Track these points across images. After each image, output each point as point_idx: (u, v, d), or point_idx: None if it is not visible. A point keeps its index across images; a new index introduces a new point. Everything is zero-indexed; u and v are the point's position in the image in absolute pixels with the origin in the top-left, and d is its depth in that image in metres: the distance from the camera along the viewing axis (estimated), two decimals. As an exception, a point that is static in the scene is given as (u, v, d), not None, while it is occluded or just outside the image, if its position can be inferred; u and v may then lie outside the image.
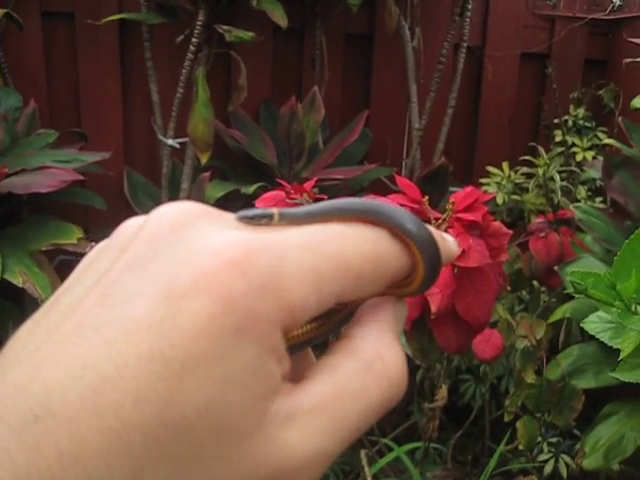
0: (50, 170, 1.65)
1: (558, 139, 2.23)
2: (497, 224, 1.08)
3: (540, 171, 2.03)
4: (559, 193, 2.00)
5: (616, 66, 2.24)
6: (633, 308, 0.72)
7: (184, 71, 1.90)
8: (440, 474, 1.69)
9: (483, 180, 2.12)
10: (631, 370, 0.88)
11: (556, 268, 1.50)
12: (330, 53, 2.13)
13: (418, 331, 1.11)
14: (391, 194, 1.10)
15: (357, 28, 2.21)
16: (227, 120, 2.09)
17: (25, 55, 2.02)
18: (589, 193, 2.11)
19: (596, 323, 0.90)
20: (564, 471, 1.54)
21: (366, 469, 1.54)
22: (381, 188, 1.97)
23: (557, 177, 2.02)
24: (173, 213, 0.29)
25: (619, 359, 0.81)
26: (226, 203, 1.82)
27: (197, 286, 0.25)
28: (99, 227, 2.01)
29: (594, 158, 2.14)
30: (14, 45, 1.99)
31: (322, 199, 0.96)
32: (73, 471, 0.22)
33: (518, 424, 1.47)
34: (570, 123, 2.27)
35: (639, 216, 1.44)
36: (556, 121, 2.26)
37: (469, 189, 1.08)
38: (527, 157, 2.12)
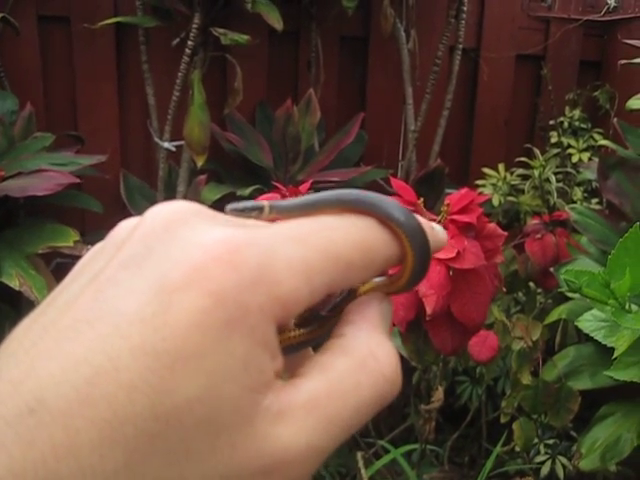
0: (47, 173, 1.65)
1: (554, 140, 2.24)
2: (492, 226, 1.08)
3: (536, 172, 2.03)
4: (555, 194, 2.00)
5: (611, 67, 2.25)
6: (627, 306, 0.73)
7: (180, 74, 1.90)
8: (437, 476, 1.69)
9: (479, 182, 2.12)
10: (626, 369, 0.88)
11: (552, 269, 1.50)
12: (325, 55, 2.13)
13: (414, 333, 1.11)
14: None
15: (352, 30, 2.21)
16: (223, 123, 2.09)
17: (21, 59, 2.02)
18: (585, 194, 2.11)
19: (590, 322, 0.90)
20: (561, 472, 1.54)
21: (362, 471, 1.54)
22: (377, 190, 1.94)
23: (553, 178, 2.02)
24: (167, 212, 0.29)
25: (613, 357, 0.81)
26: (222, 206, 1.81)
27: (188, 281, 0.25)
28: (95, 230, 2.01)
29: (590, 159, 2.14)
30: (10, 49, 1.99)
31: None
32: (66, 463, 0.23)
33: (514, 425, 1.47)
34: (566, 124, 2.27)
35: (634, 217, 1.43)
36: (552, 122, 2.26)
37: (464, 191, 1.09)
38: (523, 159, 2.13)
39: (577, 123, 2.26)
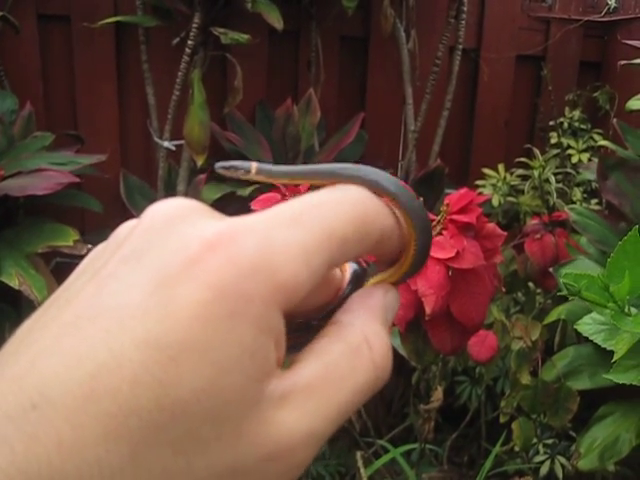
0: (46, 172, 1.65)
1: (553, 141, 2.24)
2: (491, 226, 1.08)
3: (536, 173, 2.03)
4: (554, 195, 2.00)
5: (611, 68, 2.25)
6: (626, 309, 0.73)
7: (180, 73, 1.90)
8: (436, 475, 1.70)
9: (479, 182, 2.12)
10: (625, 372, 0.88)
11: (551, 270, 1.50)
12: (326, 55, 2.13)
13: (413, 332, 1.11)
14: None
15: (352, 30, 2.21)
16: (223, 122, 2.09)
17: (21, 58, 2.02)
18: (584, 195, 2.11)
19: (590, 325, 0.90)
20: (560, 472, 1.54)
21: (362, 470, 1.54)
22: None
23: (552, 179, 2.02)
24: (167, 208, 0.29)
25: (613, 361, 0.81)
26: (222, 205, 1.82)
27: (187, 273, 0.26)
28: (95, 229, 2.01)
29: (589, 160, 2.14)
30: (10, 48, 1.99)
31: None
32: (71, 457, 0.23)
33: (514, 425, 1.47)
34: (565, 125, 2.27)
35: (634, 218, 1.44)
36: (551, 123, 2.27)
37: (463, 191, 1.09)
38: (523, 159, 2.13)
39: (577, 124, 2.26)
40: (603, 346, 0.87)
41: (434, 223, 1.03)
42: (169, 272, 0.26)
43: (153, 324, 0.25)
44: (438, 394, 1.51)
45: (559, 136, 2.22)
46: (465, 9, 2.07)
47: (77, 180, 1.66)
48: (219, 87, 2.12)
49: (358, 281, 0.36)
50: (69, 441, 0.23)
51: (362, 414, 1.71)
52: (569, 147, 2.21)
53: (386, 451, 1.68)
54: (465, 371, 1.95)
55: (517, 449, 1.54)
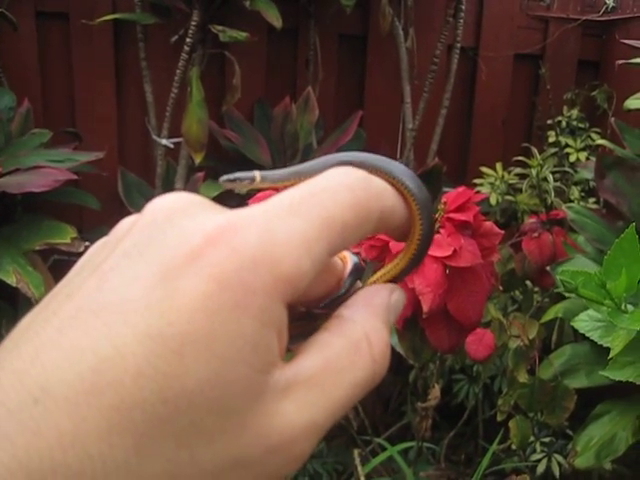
0: (44, 170, 1.65)
1: (551, 140, 2.24)
2: (489, 224, 1.08)
3: (533, 172, 2.03)
4: (552, 194, 2.00)
5: (609, 67, 2.25)
6: (623, 307, 0.73)
7: (178, 71, 1.90)
8: (433, 473, 1.70)
9: (477, 181, 2.12)
10: (621, 368, 0.89)
11: (549, 268, 1.51)
12: (324, 53, 2.13)
13: (410, 330, 1.11)
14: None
15: (351, 29, 2.21)
16: (221, 120, 2.09)
17: (19, 55, 2.02)
18: (582, 194, 2.11)
19: (586, 322, 0.91)
20: (557, 470, 1.54)
21: (359, 468, 1.55)
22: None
23: (550, 178, 2.02)
24: (167, 202, 0.29)
25: (609, 357, 0.81)
26: (220, 203, 1.82)
27: (189, 266, 0.26)
28: (93, 227, 2.01)
29: (587, 159, 2.14)
30: (8, 45, 1.99)
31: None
32: (73, 450, 0.23)
33: (511, 423, 1.47)
34: (564, 124, 2.27)
35: (631, 217, 1.44)
36: (549, 122, 2.26)
37: (461, 189, 1.09)
38: (520, 158, 2.12)
39: (575, 122, 2.27)
40: (599, 343, 0.87)
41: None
42: (171, 265, 0.26)
43: (156, 317, 0.25)
44: (435, 392, 1.52)
45: (557, 135, 2.22)
46: (463, 8, 2.07)
47: (75, 177, 1.66)
48: (217, 85, 2.12)
49: (358, 273, 0.36)
50: (71, 435, 0.23)
51: (360, 412, 1.72)
52: (567, 146, 2.21)
53: (383, 449, 1.68)
54: (462, 369, 1.96)
55: (514, 447, 1.54)
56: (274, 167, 2.02)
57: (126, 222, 0.31)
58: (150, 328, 0.24)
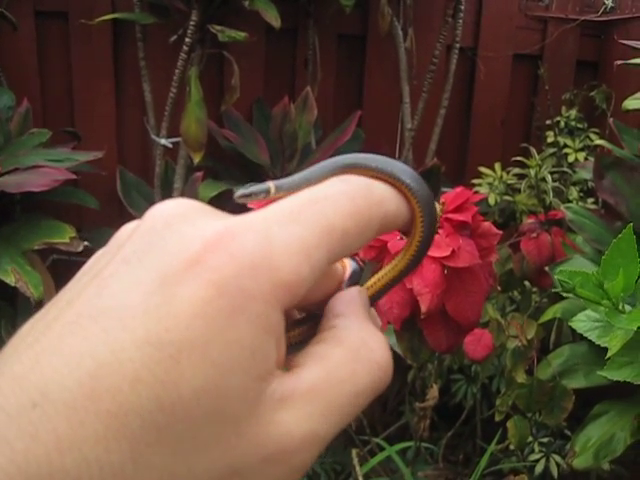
0: (43, 169, 1.65)
1: (550, 140, 2.24)
2: (487, 224, 1.08)
3: (532, 172, 2.03)
4: (551, 194, 2.00)
5: (608, 68, 2.25)
6: (620, 307, 0.73)
7: (177, 71, 1.90)
8: (431, 473, 1.70)
9: (475, 181, 2.12)
10: (619, 369, 0.89)
11: (547, 268, 1.51)
12: (323, 53, 2.13)
13: (408, 331, 1.11)
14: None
15: (350, 28, 2.21)
16: (220, 120, 2.09)
17: (18, 54, 2.02)
18: (581, 194, 2.11)
19: (584, 322, 0.91)
20: (555, 471, 1.54)
21: (357, 468, 1.55)
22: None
23: (549, 178, 2.02)
24: (167, 209, 0.29)
25: (607, 357, 0.81)
26: (219, 203, 1.82)
27: (188, 272, 0.26)
28: (92, 226, 2.01)
29: (586, 159, 2.14)
30: (7, 44, 1.99)
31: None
32: (71, 455, 0.23)
33: (509, 424, 1.47)
34: (562, 124, 2.27)
35: (630, 217, 1.44)
36: (548, 122, 2.26)
37: (459, 189, 1.09)
38: (519, 158, 2.12)
39: (573, 123, 2.26)
40: (597, 343, 0.87)
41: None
42: (170, 272, 0.26)
43: (154, 323, 0.25)
44: (434, 392, 1.52)
45: (556, 135, 2.22)
46: (462, 8, 2.07)
47: (74, 177, 1.67)
48: (216, 85, 2.12)
49: (357, 276, 0.36)
50: (69, 439, 0.23)
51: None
52: (566, 146, 2.21)
53: (382, 449, 1.68)
54: (461, 369, 1.96)
55: (512, 447, 1.54)
56: (273, 167, 2.02)
57: (127, 228, 0.31)
58: (148, 334, 0.24)
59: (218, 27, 1.79)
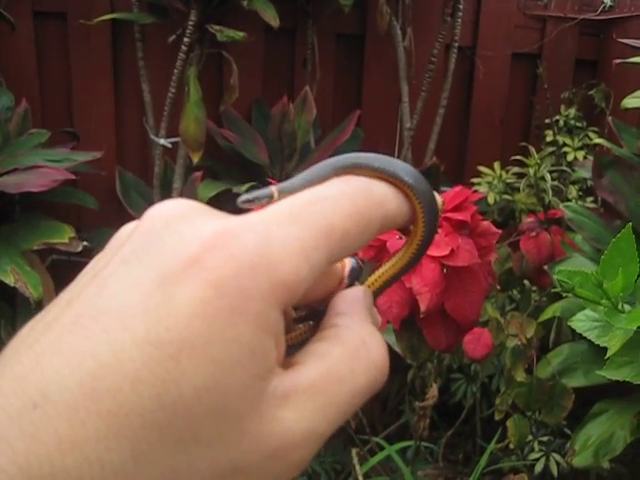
0: (42, 169, 1.65)
1: (549, 139, 2.24)
2: (486, 223, 1.08)
3: (531, 171, 2.03)
4: (550, 193, 2.00)
5: (607, 66, 2.25)
6: (620, 306, 0.73)
7: (176, 71, 1.90)
8: (431, 473, 1.70)
9: (474, 180, 2.12)
10: (618, 368, 0.89)
11: (546, 267, 1.51)
12: (322, 53, 2.13)
13: (408, 330, 1.11)
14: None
15: (349, 28, 2.21)
16: (219, 120, 2.09)
17: (17, 55, 2.02)
18: (580, 193, 2.11)
19: (583, 321, 0.91)
20: (555, 469, 1.54)
21: (357, 468, 1.55)
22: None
23: (548, 177, 2.02)
24: (166, 209, 0.30)
25: (606, 357, 0.81)
26: (218, 203, 1.82)
27: (187, 272, 0.26)
28: (91, 227, 2.01)
29: (585, 158, 2.14)
30: (6, 45, 1.99)
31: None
32: (72, 455, 0.23)
33: (508, 423, 1.47)
34: (561, 123, 2.27)
35: (629, 216, 1.44)
36: (547, 121, 2.26)
37: (458, 189, 1.09)
38: (518, 157, 2.13)
39: (572, 122, 2.27)
40: (597, 342, 0.87)
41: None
42: (169, 272, 0.26)
43: (154, 323, 0.25)
44: (433, 391, 1.52)
45: (555, 134, 2.22)
46: (461, 7, 2.08)
47: (73, 177, 1.67)
48: (215, 85, 2.12)
49: (356, 274, 0.36)
50: (70, 440, 0.23)
51: (357, 411, 1.72)
52: (565, 145, 2.21)
53: (381, 448, 1.68)
54: (460, 368, 1.96)
55: (512, 446, 1.54)
56: (272, 166, 2.02)
57: (126, 229, 0.31)
58: (149, 333, 0.25)
59: (217, 27, 1.79)
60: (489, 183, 2.10)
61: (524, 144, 2.20)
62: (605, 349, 0.85)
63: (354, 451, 1.59)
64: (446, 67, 2.15)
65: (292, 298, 0.27)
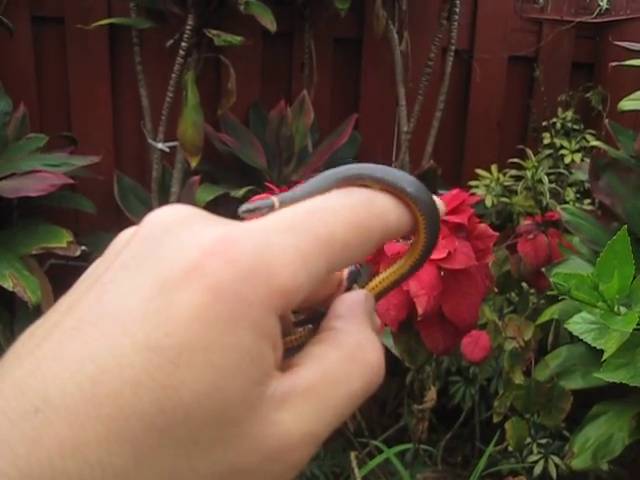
0: (40, 174, 1.65)
1: (546, 142, 2.24)
2: (483, 226, 1.08)
3: (529, 173, 2.03)
4: (547, 195, 2.00)
5: (603, 69, 2.26)
6: (616, 309, 0.73)
7: (174, 75, 1.90)
8: (430, 475, 1.70)
9: (472, 183, 2.12)
10: (615, 370, 0.89)
11: (544, 270, 1.51)
12: (319, 57, 2.14)
13: (405, 333, 1.11)
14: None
15: (346, 32, 2.21)
16: (217, 124, 2.09)
17: (15, 59, 2.02)
18: (577, 195, 2.12)
19: (580, 324, 0.91)
20: (553, 472, 1.54)
21: (356, 471, 1.55)
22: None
23: (545, 179, 2.02)
24: (164, 215, 0.30)
25: (603, 359, 0.82)
26: (216, 207, 1.83)
27: (187, 278, 0.26)
28: (89, 231, 2.01)
29: (582, 160, 2.14)
30: (4, 49, 1.99)
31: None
32: (73, 459, 0.23)
33: (507, 425, 1.47)
34: (558, 126, 2.27)
35: (626, 218, 1.44)
36: (544, 124, 2.27)
37: (455, 191, 1.09)
38: (516, 160, 2.13)
39: (569, 124, 2.27)
40: (593, 345, 0.87)
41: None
42: (169, 277, 0.26)
43: (153, 328, 0.25)
44: (432, 394, 1.52)
45: (552, 137, 2.23)
46: (457, 10, 2.08)
47: (71, 182, 1.67)
48: (213, 89, 2.12)
49: (354, 277, 0.37)
50: (71, 443, 0.23)
51: (356, 415, 1.72)
52: (562, 147, 2.21)
53: (380, 451, 1.68)
54: (459, 371, 1.96)
55: (511, 449, 1.54)
56: (270, 170, 2.02)
57: (124, 235, 0.31)
58: (148, 338, 0.25)
59: (214, 31, 1.79)
60: (486, 186, 2.10)
61: (521, 147, 2.21)
62: (602, 351, 0.86)
63: (353, 454, 1.59)
64: (443, 70, 2.15)
65: (289, 304, 0.28)
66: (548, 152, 2.22)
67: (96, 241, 1.74)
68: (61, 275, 1.84)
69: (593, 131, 2.24)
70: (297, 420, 0.27)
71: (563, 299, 1.43)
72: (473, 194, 1.95)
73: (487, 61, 2.28)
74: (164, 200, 2.01)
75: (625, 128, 1.57)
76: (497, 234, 1.11)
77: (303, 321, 0.35)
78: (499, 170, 2.13)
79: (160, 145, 2.01)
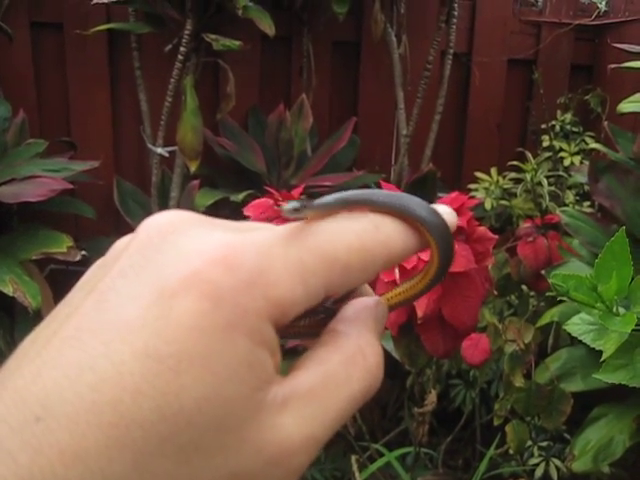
0: (40, 179, 1.65)
1: (546, 144, 2.24)
2: (482, 229, 1.08)
3: (528, 176, 2.04)
4: (547, 198, 2.01)
5: (602, 71, 2.25)
6: (614, 310, 0.73)
7: (172, 80, 1.90)
8: (431, 479, 1.70)
9: (471, 186, 2.13)
10: (614, 371, 0.89)
11: (544, 272, 1.51)
12: (317, 61, 2.14)
13: (405, 336, 1.11)
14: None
15: (344, 36, 2.21)
16: (216, 128, 2.09)
17: (14, 65, 2.02)
18: (577, 197, 2.12)
19: (579, 325, 0.91)
20: (555, 474, 1.54)
21: (357, 474, 1.55)
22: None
23: (545, 182, 2.02)
24: (162, 221, 0.30)
25: (601, 360, 0.82)
26: (215, 211, 1.83)
27: (187, 285, 0.26)
28: (89, 236, 2.01)
29: (581, 163, 2.14)
30: (3, 55, 1.99)
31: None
32: (74, 467, 0.23)
33: (507, 428, 1.47)
34: (557, 128, 2.28)
35: (625, 220, 1.44)
36: (543, 126, 2.27)
37: (454, 194, 1.09)
38: (515, 162, 2.13)
39: (569, 127, 2.27)
40: (592, 346, 0.87)
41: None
42: (167, 285, 0.26)
43: (152, 335, 0.25)
44: (432, 397, 1.52)
45: (551, 139, 2.23)
46: (456, 13, 2.08)
47: (70, 187, 1.67)
48: (212, 93, 2.13)
49: None
50: (72, 451, 0.23)
51: (357, 418, 1.71)
52: (561, 150, 2.21)
53: (381, 455, 1.68)
54: (459, 374, 1.96)
55: (511, 452, 1.54)
56: (269, 174, 2.02)
57: (122, 242, 0.31)
58: (147, 346, 0.25)
59: (213, 36, 1.80)
60: (486, 189, 2.10)
61: (521, 149, 2.21)
62: (602, 353, 0.86)
63: (354, 458, 1.59)
64: (442, 73, 2.15)
65: (284, 317, 0.28)
66: (547, 155, 2.22)
67: (96, 246, 1.74)
68: (61, 280, 1.84)
69: (592, 133, 2.24)
70: (298, 424, 0.27)
71: (563, 301, 1.43)
72: (472, 197, 1.95)
73: (486, 64, 2.28)
74: (164, 205, 2.01)
75: (624, 130, 1.57)
76: (497, 237, 1.11)
77: (314, 310, 0.34)
78: (498, 173, 2.13)
79: (159, 150, 2.01)
